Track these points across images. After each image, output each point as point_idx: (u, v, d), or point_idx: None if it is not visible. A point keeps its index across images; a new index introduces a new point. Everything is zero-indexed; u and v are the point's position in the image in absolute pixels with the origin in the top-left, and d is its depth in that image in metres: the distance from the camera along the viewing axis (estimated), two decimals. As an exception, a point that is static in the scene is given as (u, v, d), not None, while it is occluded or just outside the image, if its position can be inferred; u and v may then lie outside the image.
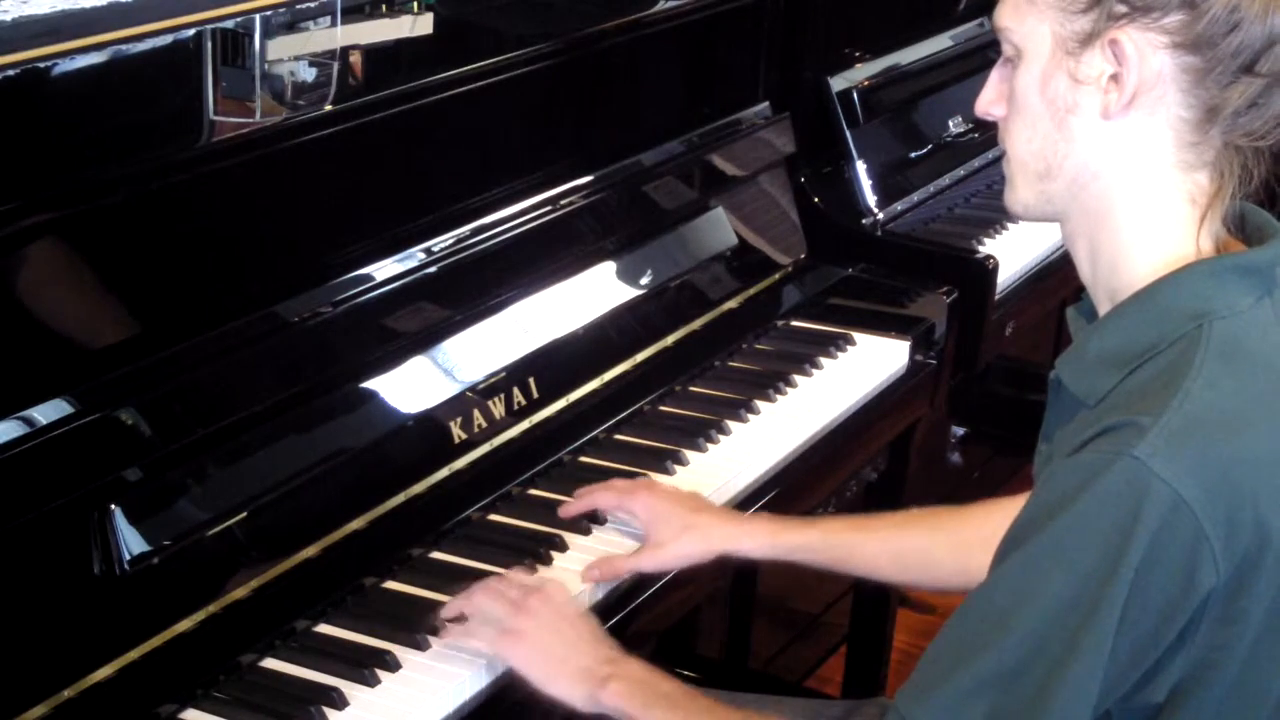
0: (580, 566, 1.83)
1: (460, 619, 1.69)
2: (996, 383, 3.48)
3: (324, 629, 1.71)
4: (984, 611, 1.30)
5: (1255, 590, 1.27)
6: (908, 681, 1.33)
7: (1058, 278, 2.97)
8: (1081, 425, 1.33)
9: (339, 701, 1.58)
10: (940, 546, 1.80)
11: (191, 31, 1.78)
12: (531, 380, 2.07)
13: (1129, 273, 1.39)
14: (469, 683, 1.65)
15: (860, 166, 2.82)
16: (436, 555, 1.86)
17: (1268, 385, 1.31)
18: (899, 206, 2.88)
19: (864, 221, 2.80)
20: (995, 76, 1.44)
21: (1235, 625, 1.27)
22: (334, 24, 2.01)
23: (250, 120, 1.84)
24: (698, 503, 1.91)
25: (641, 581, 1.86)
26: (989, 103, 1.45)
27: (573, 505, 1.91)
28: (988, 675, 1.26)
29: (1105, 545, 1.23)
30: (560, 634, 1.65)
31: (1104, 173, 1.38)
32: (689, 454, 2.11)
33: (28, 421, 1.56)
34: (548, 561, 1.85)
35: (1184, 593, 1.24)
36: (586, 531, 1.91)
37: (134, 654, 1.57)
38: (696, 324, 2.39)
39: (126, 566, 1.58)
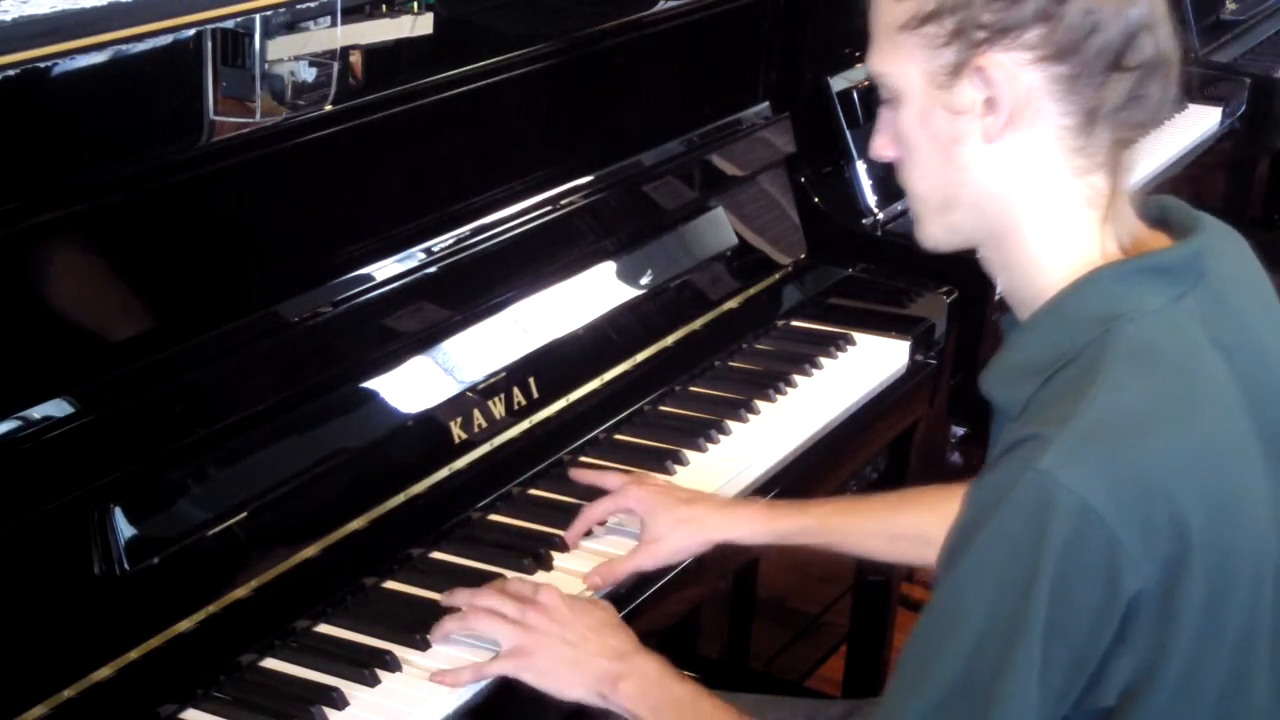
0: (581, 566, 1.83)
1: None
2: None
3: (324, 629, 1.71)
4: (929, 631, 1.33)
5: (1186, 589, 1.27)
6: (881, 702, 1.35)
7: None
8: (1005, 438, 1.34)
9: (339, 701, 1.58)
10: (932, 525, 1.79)
11: (191, 31, 1.78)
12: (531, 380, 2.07)
13: (1041, 284, 1.40)
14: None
15: (860, 166, 2.82)
16: (436, 555, 1.86)
17: (1179, 384, 1.31)
18: (899, 206, 2.88)
19: (864, 221, 2.80)
20: (881, 120, 1.46)
21: (1172, 625, 1.28)
22: (334, 24, 2.01)
23: (250, 120, 1.84)
24: (689, 493, 1.92)
25: (642, 582, 1.86)
26: (881, 147, 1.46)
27: (573, 529, 1.89)
28: (939, 697, 1.29)
29: (1020, 559, 1.25)
30: (566, 640, 1.65)
31: (1000, 193, 1.39)
32: (689, 454, 2.11)
33: (28, 421, 1.56)
34: (548, 561, 1.85)
35: (1108, 598, 1.25)
36: (587, 532, 1.91)
37: (134, 654, 1.57)
38: (696, 324, 2.39)
39: (126, 566, 1.58)
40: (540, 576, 1.82)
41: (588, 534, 1.90)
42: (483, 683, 1.65)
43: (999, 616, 1.26)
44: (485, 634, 1.67)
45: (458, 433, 1.95)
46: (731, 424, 2.19)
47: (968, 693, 1.27)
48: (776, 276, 2.59)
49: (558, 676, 1.64)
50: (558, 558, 1.86)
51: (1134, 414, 1.28)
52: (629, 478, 1.94)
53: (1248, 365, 1.37)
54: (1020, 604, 1.25)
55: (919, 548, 1.83)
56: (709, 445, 2.14)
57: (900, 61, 1.40)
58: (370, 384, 1.89)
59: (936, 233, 1.45)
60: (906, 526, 1.85)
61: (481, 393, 2.00)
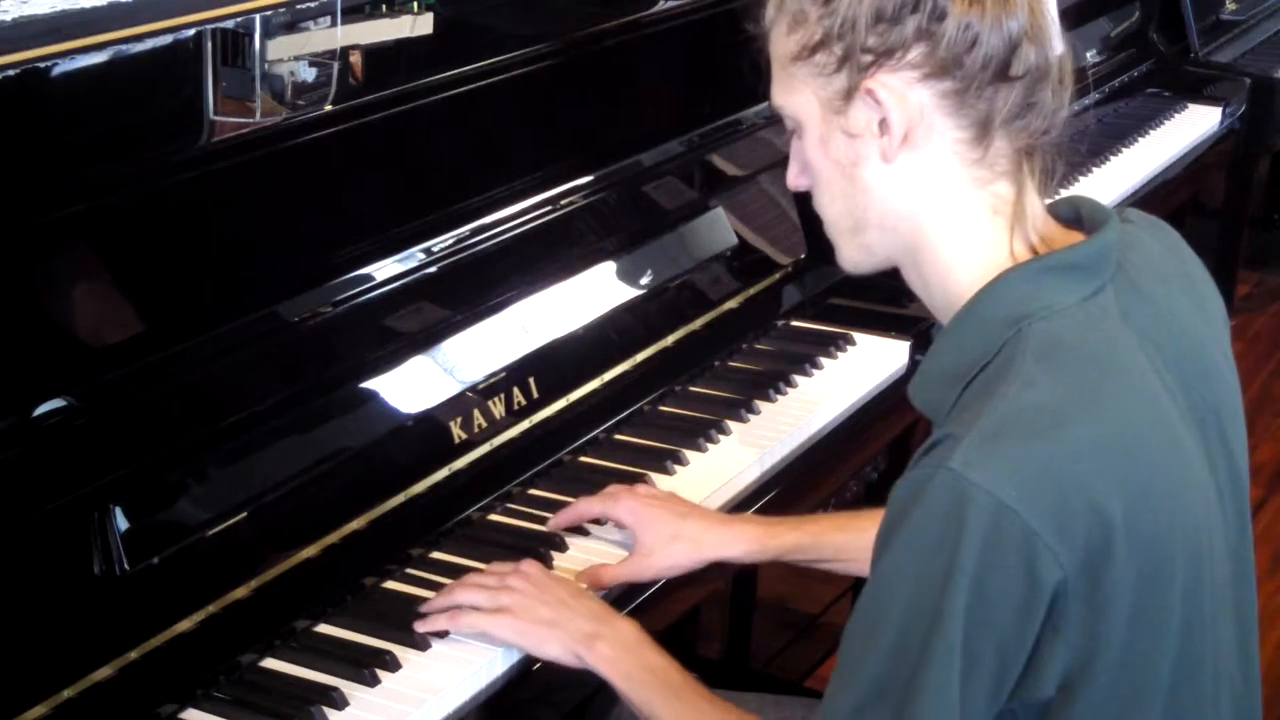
0: (580, 567, 1.83)
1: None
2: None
3: (324, 629, 1.71)
4: (856, 631, 1.35)
5: (1113, 577, 1.28)
6: (823, 701, 1.37)
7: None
8: (927, 440, 1.36)
9: (339, 701, 1.58)
10: None
11: (191, 31, 1.78)
12: (531, 380, 2.07)
13: (955, 292, 1.42)
14: (469, 682, 1.65)
15: (860, 166, 2.82)
16: (436, 555, 1.86)
17: (1093, 376, 1.33)
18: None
19: (864, 221, 2.80)
20: (793, 151, 1.50)
21: (1103, 614, 1.29)
22: (334, 24, 2.01)
23: (250, 120, 1.84)
24: (684, 507, 1.90)
25: (635, 584, 1.86)
26: (794, 177, 1.51)
27: (559, 518, 1.90)
28: (864, 692, 1.31)
29: (936, 557, 1.27)
30: (544, 600, 1.68)
31: (905, 210, 1.42)
32: (689, 454, 2.11)
33: (28, 421, 1.56)
34: (547, 561, 1.85)
35: (1029, 590, 1.26)
36: (586, 532, 1.91)
37: (134, 654, 1.57)
38: (696, 324, 2.39)
39: (126, 566, 1.58)
40: (540, 576, 1.82)
41: (587, 534, 1.90)
42: (483, 683, 1.66)
43: (917, 612, 1.28)
44: (466, 601, 1.69)
45: (458, 433, 1.95)
46: (731, 424, 2.20)
47: (890, 687, 1.29)
48: (776, 276, 2.59)
49: (535, 634, 1.66)
50: (558, 558, 1.86)
51: (1043, 409, 1.30)
52: (621, 488, 1.93)
53: (1174, 352, 1.40)
54: (938, 600, 1.26)
55: None
56: (709, 445, 2.14)
57: (797, 92, 1.45)
58: (370, 384, 1.89)
59: (853, 255, 1.49)
60: None
61: (481, 393, 2.00)
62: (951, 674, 1.27)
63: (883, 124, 1.39)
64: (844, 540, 1.87)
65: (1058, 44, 1.40)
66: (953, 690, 1.27)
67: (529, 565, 1.74)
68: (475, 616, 1.68)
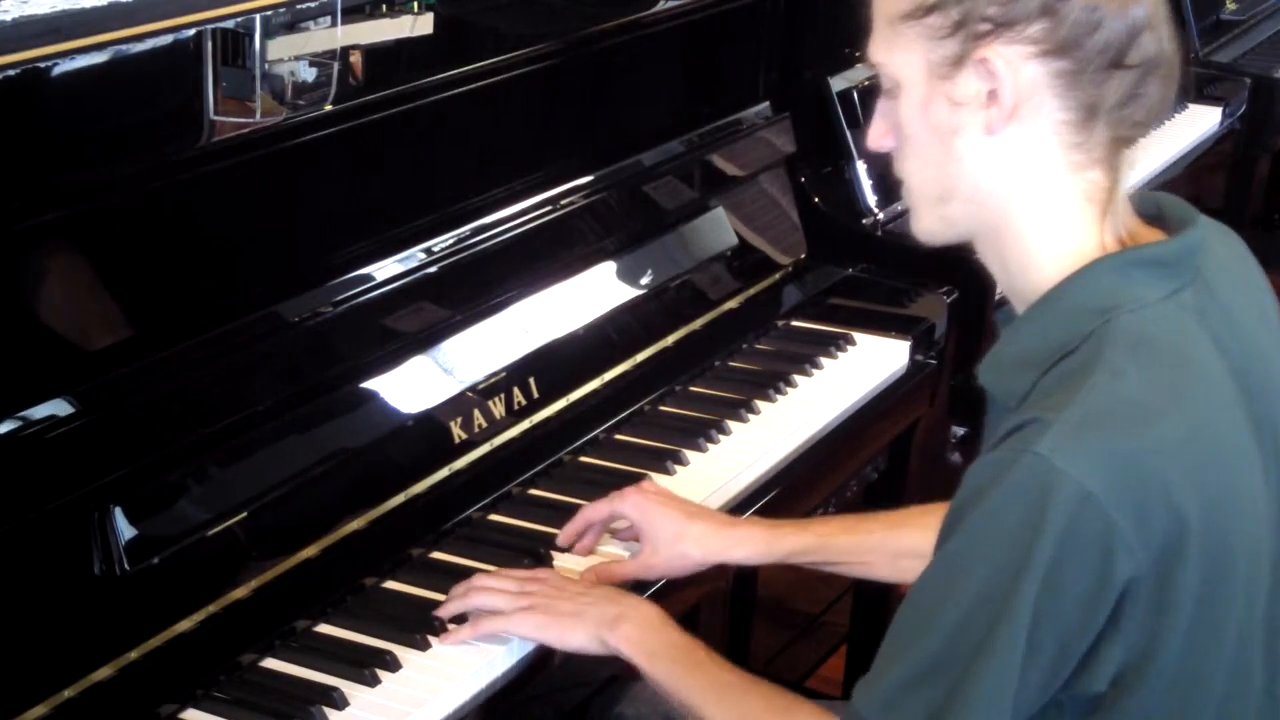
0: (581, 567, 1.83)
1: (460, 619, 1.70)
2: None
3: (324, 629, 1.71)
4: (916, 606, 1.34)
5: (1181, 578, 1.28)
6: (866, 674, 1.36)
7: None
8: (1002, 427, 1.34)
9: (339, 701, 1.58)
10: (932, 544, 1.79)
11: (191, 31, 1.78)
12: (531, 380, 2.07)
13: (1038, 276, 1.41)
14: (469, 682, 1.65)
15: (860, 166, 2.82)
16: (436, 555, 1.86)
17: (1177, 374, 1.32)
18: (899, 206, 2.87)
19: (864, 221, 2.80)
20: (879, 110, 1.46)
21: (1167, 614, 1.28)
22: (334, 24, 2.01)
23: (250, 120, 1.84)
24: (690, 507, 1.89)
25: (640, 581, 1.86)
26: (878, 136, 1.47)
27: (569, 529, 1.89)
28: (918, 669, 1.30)
29: (1014, 541, 1.26)
30: (564, 593, 1.68)
31: (998, 186, 1.40)
32: (689, 454, 2.11)
33: (28, 421, 1.56)
34: (548, 561, 1.85)
35: (1100, 583, 1.26)
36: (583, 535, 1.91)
37: (134, 654, 1.57)
38: (696, 324, 2.39)
39: (126, 566, 1.58)
40: (540, 576, 1.82)
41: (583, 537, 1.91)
42: (483, 683, 1.66)
43: (986, 594, 1.27)
44: (485, 605, 1.68)
45: (458, 433, 1.95)
46: (732, 424, 2.19)
47: (947, 666, 1.28)
48: (776, 276, 2.59)
49: (558, 625, 1.65)
50: (558, 558, 1.86)
51: (1132, 402, 1.29)
52: (626, 488, 1.92)
53: (1241, 361, 1.38)
54: (1011, 585, 1.25)
55: (920, 566, 1.82)
56: (709, 445, 2.14)
57: (901, 51, 1.40)
58: (370, 384, 1.89)
59: (932, 225, 1.46)
60: (909, 545, 1.82)
61: (481, 393, 2.00)
62: (1014, 660, 1.26)
63: (991, 95, 1.36)
64: (851, 542, 1.86)
65: (1170, 38, 1.38)
66: (1012, 676, 1.26)
67: (546, 572, 1.75)
68: (498, 621, 1.67)
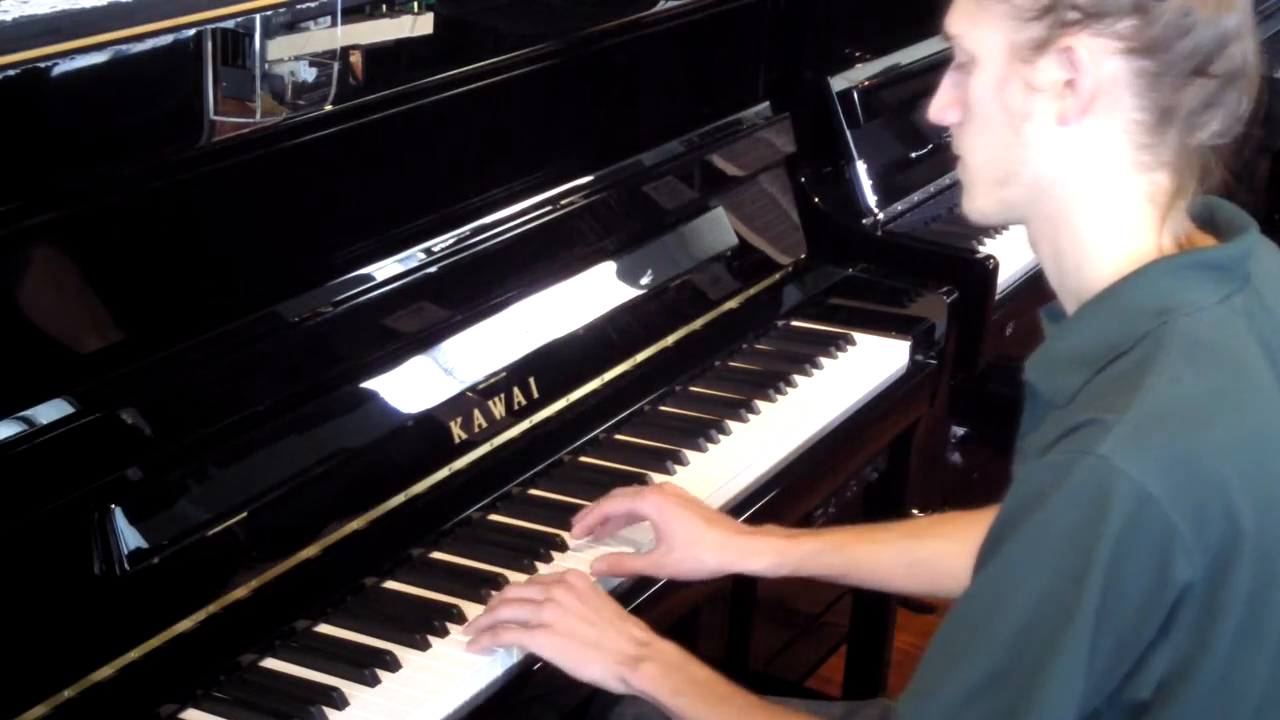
0: (580, 567, 1.83)
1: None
2: (996, 383, 3.48)
3: (324, 629, 1.71)
4: (969, 616, 1.31)
5: (1233, 583, 1.27)
6: (908, 688, 1.34)
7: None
8: (1051, 426, 1.33)
9: (339, 701, 1.58)
10: (951, 554, 1.77)
11: (191, 31, 1.79)
12: (531, 380, 2.07)
13: (1093, 274, 1.39)
14: (469, 682, 1.65)
15: (860, 166, 2.82)
16: (436, 555, 1.86)
17: (1232, 378, 1.31)
18: (899, 206, 2.88)
19: (864, 221, 2.80)
20: (948, 82, 1.44)
21: (1216, 620, 1.27)
22: (334, 24, 2.01)
23: (250, 120, 1.84)
24: (709, 513, 1.87)
25: (641, 581, 1.86)
26: (942, 108, 1.45)
27: (583, 517, 1.88)
28: (976, 681, 1.27)
29: (1076, 544, 1.24)
30: (587, 620, 1.66)
31: (1062, 177, 1.39)
32: (689, 454, 2.11)
33: (28, 421, 1.56)
34: (548, 561, 1.85)
35: (1159, 586, 1.24)
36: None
37: (134, 654, 1.57)
38: (696, 324, 2.39)
39: (126, 566, 1.58)
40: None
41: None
42: (483, 683, 1.66)
43: (1049, 599, 1.25)
44: (509, 616, 1.67)
45: (458, 433, 1.95)
46: (732, 424, 2.19)
47: (1010, 676, 1.26)
48: (776, 276, 2.59)
49: (577, 654, 1.64)
50: (558, 557, 1.86)
51: (1191, 404, 1.28)
52: (648, 487, 1.91)
53: None
54: (1074, 590, 1.23)
55: (937, 577, 1.81)
56: (709, 445, 2.14)
57: (983, 26, 1.38)
58: (370, 384, 1.89)
59: (986, 206, 1.44)
60: (925, 555, 1.82)
61: (481, 393, 2.00)
62: (1079, 666, 1.24)
63: (1069, 85, 1.34)
64: (866, 552, 1.84)
65: (1255, 51, 1.37)
66: (1077, 683, 1.24)
67: (574, 576, 1.72)
68: (518, 633, 1.66)
